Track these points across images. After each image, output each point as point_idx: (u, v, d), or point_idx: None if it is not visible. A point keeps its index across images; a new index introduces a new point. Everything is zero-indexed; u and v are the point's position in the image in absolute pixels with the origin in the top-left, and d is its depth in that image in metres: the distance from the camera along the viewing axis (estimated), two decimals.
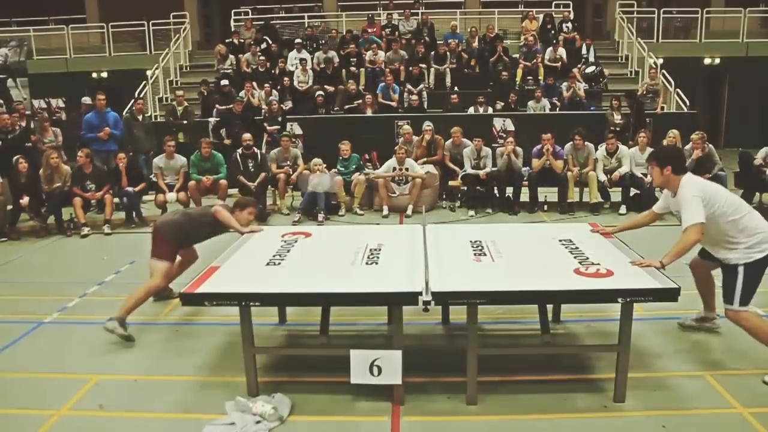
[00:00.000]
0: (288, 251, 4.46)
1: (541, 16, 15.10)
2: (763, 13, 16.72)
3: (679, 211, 4.03)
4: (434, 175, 9.55)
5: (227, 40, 14.56)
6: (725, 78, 16.32)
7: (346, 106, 12.36)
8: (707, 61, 15.67)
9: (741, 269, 3.94)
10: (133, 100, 11.43)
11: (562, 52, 13.68)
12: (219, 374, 4.23)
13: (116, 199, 8.78)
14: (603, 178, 9.02)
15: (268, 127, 10.92)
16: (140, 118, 10.52)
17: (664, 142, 9.10)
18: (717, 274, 4.37)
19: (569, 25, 14.86)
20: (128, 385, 4.11)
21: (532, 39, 13.85)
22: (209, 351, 4.58)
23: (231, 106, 11.33)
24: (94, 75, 15.85)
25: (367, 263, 4.11)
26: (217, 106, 12.06)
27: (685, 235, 3.91)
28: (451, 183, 9.71)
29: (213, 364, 4.39)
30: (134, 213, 8.92)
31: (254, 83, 12.28)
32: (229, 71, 13.47)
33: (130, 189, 8.77)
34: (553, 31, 14.63)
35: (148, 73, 14.02)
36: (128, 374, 4.24)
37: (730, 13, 16.13)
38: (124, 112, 11.12)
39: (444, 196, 9.82)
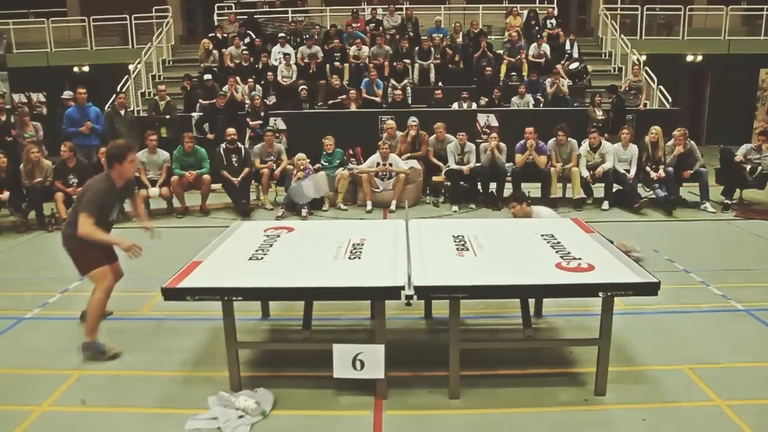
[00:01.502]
0: (271, 246, 4.45)
1: (525, 12, 15.14)
2: (744, 11, 16.89)
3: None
4: (418, 170, 9.56)
5: (210, 35, 14.45)
6: (707, 75, 16.48)
7: (330, 102, 12.33)
8: (690, 58, 15.82)
9: None
10: (114, 95, 11.32)
11: (546, 48, 13.74)
12: (201, 369, 4.22)
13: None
14: (586, 173, 9.08)
15: (250, 122, 10.88)
16: (122, 112, 10.43)
17: (647, 139, 9.18)
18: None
19: (553, 21, 14.92)
20: (110, 380, 4.09)
21: (516, 35, 13.88)
22: (192, 346, 4.56)
23: (214, 101, 11.27)
24: (76, 69, 15.67)
25: (349, 258, 4.11)
26: (200, 101, 11.98)
27: None
28: (434, 178, 9.72)
29: (195, 359, 4.37)
30: None
31: (237, 78, 12.21)
32: (213, 66, 13.38)
33: None
34: (537, 28, 14.68)
35: (131, 67, 13.88)
36: (110, 370, 4.22)
37: (713, 11, 16.28)
38: (105, 107, 11.01)
39: (428, 192, 9.84)
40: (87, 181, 4.61)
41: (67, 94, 10.82)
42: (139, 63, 14.16)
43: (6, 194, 8.16)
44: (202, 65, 13.55)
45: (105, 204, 4.40)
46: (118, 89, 12.29)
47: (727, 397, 3.76)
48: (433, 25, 14.67)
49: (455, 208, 9.09)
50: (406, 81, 12.97)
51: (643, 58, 13.64)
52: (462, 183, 9.37)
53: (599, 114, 10.84)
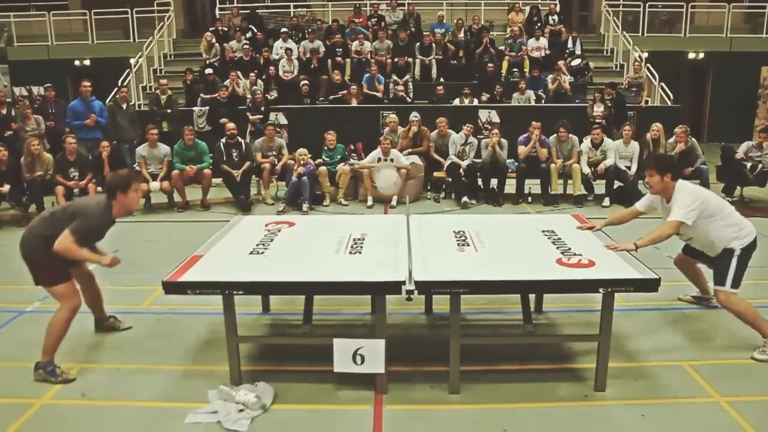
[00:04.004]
0: (271, 240, 4.45)
1: (527, 9, 15.10)
2: (746, 9, 16.85)
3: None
4: (419, 166, 9.56)
5: (211, 29, 14.42)
6: (709, 72, 16.45)
7: (331, 97, 12.31)
8: (691, 55, 15.79)
9: (738, 251, 4.19)
10: (116, 89, 11.30)
11: (543, 41, 13.71)
12: (202, 363, 4.23)
13: (99, 188, 8.69)
14: (587, 170, 9.07)
15: (251, 117, 10.84)
16: (124, 106, 10.42)
17: (648, 136, 9.18)
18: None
19: (555, 17, 14.89)
20: (111, 373, 4.10)
21: (518, 31, 13.85)
22: (192, 340, 4.57)
23: (216, 95, 11.27)
24: (77, 63, 15.65)
25: (350, 252, 4.12)
26: (201, 95, 11.97)
27: (665, 226, 4.26)
28: (435, 174, 9.71)
29: (196, 353, 4.38)
30: None
31: (239, 72, 12.19)
32: (214, 61, 13.36)
33: None
34: (539, 24, 14.64)
35: (132, 61, 13.86)
36: (111, 363, 4.23)
37: (715, 9, 16.23)
38: (107, 101, 11.01)
39: (428, 188, 9.83)
40: (84, 202, 4.28)
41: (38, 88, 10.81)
42: (140, 57, 14.14)
43: (6, 187, 8.16)
44: (206, 60, 13.50)
45: (95, 235, 4.14)
46: (120, 83, 12.27)
47: (726, 393, 3.77)
48: (435, 21, 14.64)
49: (465, 198, 9.02)
50: (407, 77, 12.95)
51: (645, 55, 13.61)
52: (463, 179, 9.36)
53: (598, 110, 10.80)
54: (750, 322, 4.26)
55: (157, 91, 11.68)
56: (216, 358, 4.17)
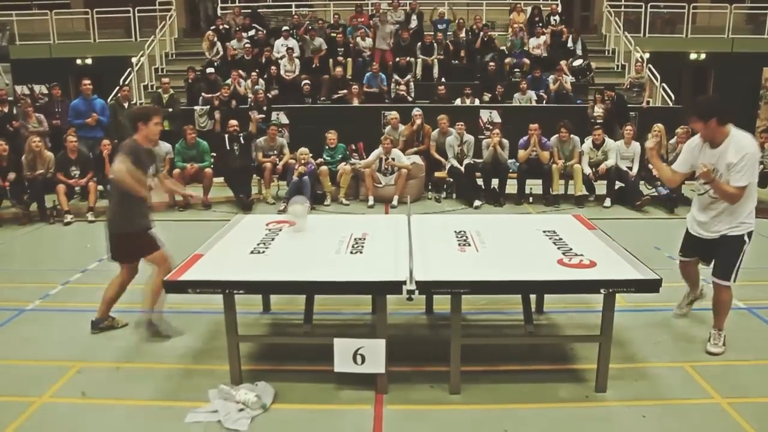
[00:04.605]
0: (272, 240, 4.45)
1: (529, 9, 15.09)
2: (748, 10, 16.82)
3: (713, 164, 3.97)
4: (420, 166, 9.55)
5: (212, 27, 14.41)
6: (710, 73, 16.42)
7: (333, 96, 12.31)
8: (693, 56, 15.77)
9: (747, 238, 4.07)
10: (118, 88, 11.31)
11: (543, 39, 13.70)
12: (202, 362, 4.23)
13: (100, 187, 8.70)
14: (588, 170, 9.07)
15: (254, 116, 10.83)
16: (126, 105, 10.42)
17: (649, 136, 9.12)
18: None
19: (557, 17, 14.88)
20: (111, 372, 4.09)
21: (519, 31, 13.84)
22: (193, 339, 4.57)
23: (218, 93, 11.28)
24: (79, 61, 15.64)
25: (351, 252, 4.11)
26: (203, 94, 11.97)
27: (735, 192, 3.92)
28: (436, 174, 9.71)
29: (196, 352, 4.38)
30: None
31: (240, 71, 12.19)
32: (216, 59, 13.35)
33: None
34: (540, 24, 14.63)
35: (134, 60, 13.86)
36: (111, 362, 4.22)
37: (716, 9, 16.21)
38: (108, 100, 11.00)
39: (429, 188, 9.82)
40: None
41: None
42: (142, 56, 14.14)
43: (13, 175, 8.12)
44: (210, 59, 13.49)
45: (137, 157, 4.37)
46: (121, 82, 12.27)
47: (727, 394, 3.76)
48: (437, 17, 14.63)
49: (477, 202, 9.02)
50: (409, 76, 12.95)
51: (647, 55, 13.59)
52: (464, 181, 9.36)
53: (598, 111, 10.78)
54: (724, 313, 4.27)
55: (159, 90, 11.68)
56: (216, 357, 4.17)
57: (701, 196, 4.20)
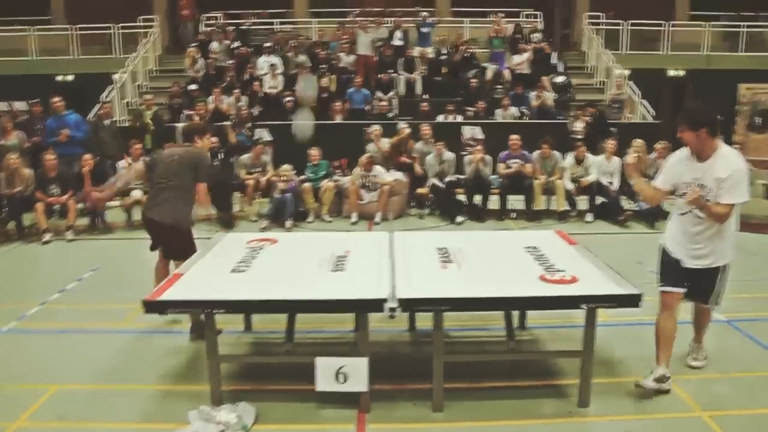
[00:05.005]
0: (254, 258, 4.42)
1: (511, 27, 15.26)
2: (723, 28, 17.17)
3: (697, 179, 3.75)
4: (403, 182, 9.56)
5: (194, 44, 14.37)
6: (689, 89, 16.68)
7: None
8: (672, 72, 16.01)
9: (727, 267, 3.95)
10: (98, 104, 11.22)
11: (526, 55, 13.87)
12: (182, 383, 4.17)
13: (80, 204, 8.60)
14: (570, 186, 9.14)
15: (231, 132, 10.69)
16: (107, 122, 10.34)
17: (630, 152, 9.23)
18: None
19: (539, 35, 15.07)
20: (89, 394, 4.02)
21: (501, 48, 14.00)
22: (173, 359, 4.50)
23: (197, 111, 11.20)
24: (59, 78, 15.52)
25: (333, 270, 4.10)
26: (184, 111, 11.91)
27: (724, 212, 3.71)
28: (419, 191, 9.71)
29: (176, 373, 4.32)
30: (98, 218, 8.76)
31: (222, 86, 12.17)
32: (198, 76, 13.33)
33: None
34: (522, 41, 14.79)
35: (115, 77, 13.79)
36: (89, 384, 4.15)
37: (694, 27, 16.53)
38: (89, 116, 10.91)
39: (413, 204, 9.83)
40: (184, 152, 4.96)
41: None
42: (124, 72, 14.06)
43: None
44: (192, 75, 13.45)
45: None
46: (102, 99, 12.19)
47: (708, 407, 3.78)
48: (419, 37, 14.75)
49: (459, 218, 9.06)
50: (392, 93, 13.01)
51: (627, 72, 13.79)
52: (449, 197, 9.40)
53: (579, 127, 10.89)
54: (705, 327, 4.27)
55: (142, 107, 11.61)
56: (197, 377, 4.11)
57: (684, 216, 3.92)
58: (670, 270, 4.00)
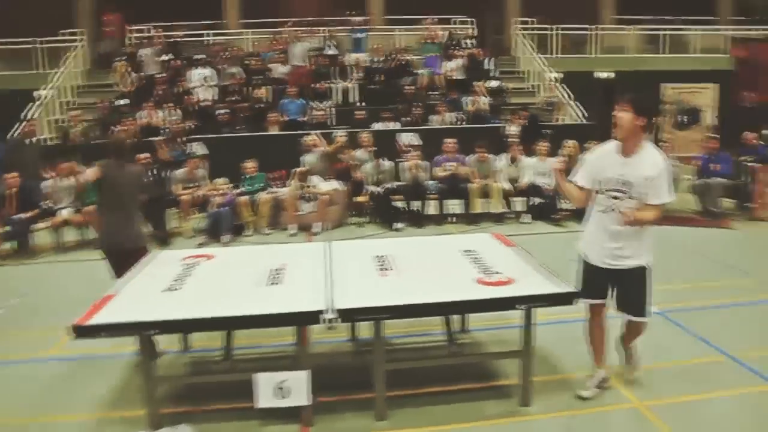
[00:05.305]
0: (189, 275, 4.30)
1: (445, 34, 15.46)
2: (647, 31, 17.87)
3: (621, 176, 3.64)
4: (341, 191, 9.51)
5: (123, 57, 13.99)
6: (618, 90, 17.24)
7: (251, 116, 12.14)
8: (600, 74, 16.53)
9: (649, 269, 3.77)
10: (19, 123, 10.74)
11: (459, 62, 14.08)
12: (118, 409, 4.01)
13: (7, 228, 8.18)
14: (508, 186, 9.31)
15: (161, 149, 10.43)
16: (30, 141, 9.91)
17: (563, 152, 9.46)
18: None
19: (473, 41, 15.34)
20: (16, 429, 3.81)
21: (435, 55, 14.16)
22: (106, 385, 4.33)
23: (127, 127, 10.88)
24: None
25: (270, 284, 4.03)
26: (113, 127, 11.53)
27: (656, 213, 3.64)
28: (358, 199, 9.68)
29: (111, 399, 4.15)
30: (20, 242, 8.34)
31: (154, 100, 11.88)
32: (129, 90, 12.97)
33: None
34: (456, 47, 15.00)
35: (38, 93, 13.22)
36: (15, 417, 3.94)
37: (620, 30, 17.17)
38: (9, 135, 10.40)
39: (352, 213, 9.80)
40: (128, 172, 4.89)
41: None
42: (48, 89, 13.51)
43: None
44: (122, 90, 13.07)
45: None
46: (23, 117, 11.68)
47: (644, 398, 3.91)
48: (353, 45, 14.78)
49: (397, 225, 9.09)
50: (328, 102, 12.97)
51: (560, 75, 14.17)
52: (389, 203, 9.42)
53: (512, 130, 11.11)
54: (635, 339, 4.08)
55: (69, 124, 11.20)
56: (133, 402, 3.95)
57: (604, 214, 3.74)
58: (590, 280, 3.87)
